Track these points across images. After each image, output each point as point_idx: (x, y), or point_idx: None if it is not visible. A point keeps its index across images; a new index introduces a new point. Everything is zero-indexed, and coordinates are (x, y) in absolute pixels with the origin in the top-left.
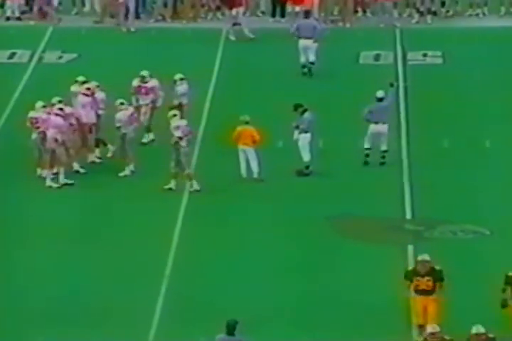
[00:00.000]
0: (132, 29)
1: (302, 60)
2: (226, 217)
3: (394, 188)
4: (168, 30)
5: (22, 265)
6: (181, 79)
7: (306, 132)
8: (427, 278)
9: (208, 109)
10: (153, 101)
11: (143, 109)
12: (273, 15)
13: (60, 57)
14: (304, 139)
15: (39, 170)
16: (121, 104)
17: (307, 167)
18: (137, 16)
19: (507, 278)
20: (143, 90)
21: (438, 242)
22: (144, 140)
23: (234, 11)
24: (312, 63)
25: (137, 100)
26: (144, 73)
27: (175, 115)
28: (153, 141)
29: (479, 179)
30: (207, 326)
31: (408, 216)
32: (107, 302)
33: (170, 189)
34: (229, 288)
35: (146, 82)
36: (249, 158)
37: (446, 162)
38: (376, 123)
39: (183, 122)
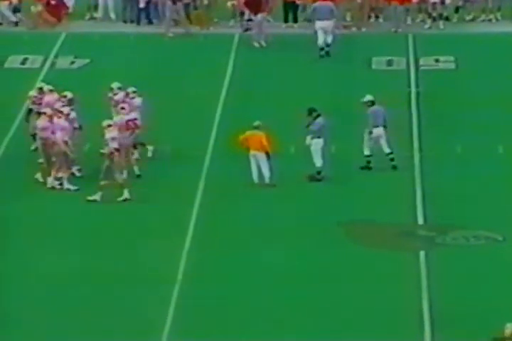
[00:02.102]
0: (170, 34)
1: (320, 42)
2: (238, 222)
3: (406, 194)
4: (181, 35)
5: (31, 268)
6: (134, 92)
7: (318, 137)
8: None
9: (219, 114)
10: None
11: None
12: (285, 20)
13: (73, 63)
14: (316, 144)
15: (48, 177)
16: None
17: (319, 172)
18: (149, 22)
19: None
20: (112, 102)
21: (450, 248)
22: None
23: (259, 16)
24: (328, 45)
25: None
26: (113, 85)
27: (109, 125)
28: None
29: (492, 184)
30: (218, 330)
31: (420, 221)
32: (119, 307)
33: (94, 200)
34: (240, 292)
35: (115, 94)
36: (260, 163)
37: (459, 167)
38: (376, 126)
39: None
